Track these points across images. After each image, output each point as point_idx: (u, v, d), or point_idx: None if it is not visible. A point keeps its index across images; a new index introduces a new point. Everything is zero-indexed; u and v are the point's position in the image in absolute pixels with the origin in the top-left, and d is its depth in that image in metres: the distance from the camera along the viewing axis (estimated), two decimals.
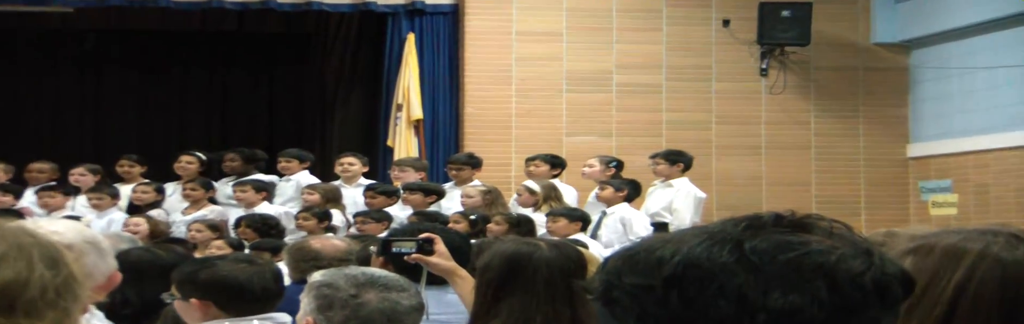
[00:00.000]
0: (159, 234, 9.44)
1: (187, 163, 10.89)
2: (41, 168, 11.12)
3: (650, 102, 12.38)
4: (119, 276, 2.86)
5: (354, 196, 10.43)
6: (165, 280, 3.87)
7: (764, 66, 12.44)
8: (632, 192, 10.11)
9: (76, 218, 8.88)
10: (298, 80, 14.90)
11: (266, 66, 15.32)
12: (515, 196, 10.31)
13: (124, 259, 3.39)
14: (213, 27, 14.52)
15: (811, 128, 12.61)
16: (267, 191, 10.41)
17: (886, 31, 12.56)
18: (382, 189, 10.31)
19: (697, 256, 1.33)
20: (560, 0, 12.29)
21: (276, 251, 7.85)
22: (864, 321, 1.32)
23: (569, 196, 10.37)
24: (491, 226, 9.12)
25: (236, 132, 14.99)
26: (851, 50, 12.68)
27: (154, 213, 10.16)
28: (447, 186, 10.59)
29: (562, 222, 9.31)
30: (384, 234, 7.44)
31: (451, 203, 10.21)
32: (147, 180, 10.88)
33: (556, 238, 7.68)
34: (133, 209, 10.42)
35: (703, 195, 10.57)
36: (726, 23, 12.45)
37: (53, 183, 10.91)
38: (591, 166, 10.72)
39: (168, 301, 3.83)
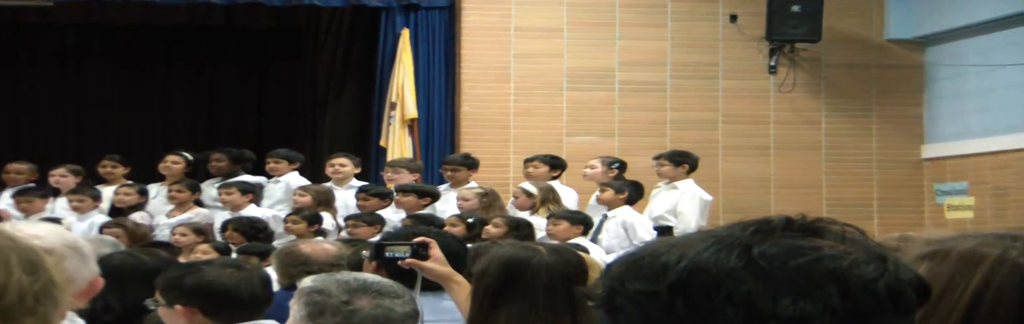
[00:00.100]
0: (141, 237, 9.45)
1: (173, 163, 10.93)
2: (19, 169, 11.06)
3: (654, 101, 12.33)
4: (101, 281, 2.86)
5: (345, 198, 10.46)
6: (149, 286, 3.90)
7: (773, 63, 12.41)
8: (633, 194, 10.03)
9: (56, 221, 8.88)
10: (288, 77, 14.93)
11: (254, 62, 15.33)
12: (512, 199, 10.28)
13: (106, 264, 3.41)
14: (199, 21, 14.54)
15: (822, 128, 12.58)
16: (253, 193, 10.45)
17: (900, 27, 12.56)
18: (375, 191, 10.29)
19: (704, 261, 1.33)
20: None
21: (264, 256, 7.89)
22: None
23: (569, 198, 10.33)
24: (489, 228, 9.10)
25: (223, 131, 14.99)
26: (864, 47, 12.64)
27: (137, 216, 10.16)
28: (442, 188, 10.58)
29: (563, 225, 9.27)
30: (377, 238, 7.44)
31: (446, 206, 10.22)
32: (130, 181, 10.90)
33: (555, 242, 7.84)
34: (115, 212, 10.41)
35: (709, 197, 10.50)
36: (734, 18, 12.42)
37: (32, 184, 10.89)
38: (592, 167, 10.66)
39: (152, 307, 3.87)
